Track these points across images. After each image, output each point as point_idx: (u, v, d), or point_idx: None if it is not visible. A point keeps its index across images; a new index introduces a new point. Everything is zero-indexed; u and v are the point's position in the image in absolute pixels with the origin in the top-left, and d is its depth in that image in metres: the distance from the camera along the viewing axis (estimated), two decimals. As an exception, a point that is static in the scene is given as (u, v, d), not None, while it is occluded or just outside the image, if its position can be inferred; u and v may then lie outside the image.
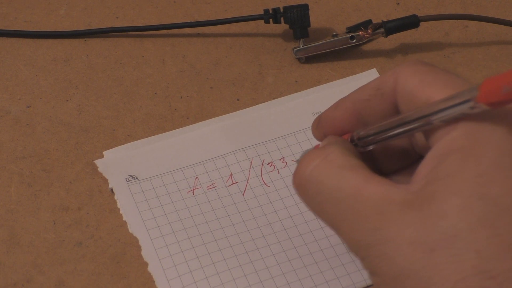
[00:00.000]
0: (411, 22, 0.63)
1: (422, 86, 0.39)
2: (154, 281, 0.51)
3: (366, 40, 0.64)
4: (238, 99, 0.61)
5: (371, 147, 0.43)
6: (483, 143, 0.36)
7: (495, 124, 0.37)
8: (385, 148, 0.44)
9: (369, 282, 0.51)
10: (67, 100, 0.61)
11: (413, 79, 0.40)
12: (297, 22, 0.63)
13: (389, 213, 0.37)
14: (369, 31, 0.63)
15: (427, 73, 0.40)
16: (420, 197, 0.36)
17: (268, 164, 0.57)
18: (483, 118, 0.37)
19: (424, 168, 0.38)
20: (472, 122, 0.37)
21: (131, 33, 0.65)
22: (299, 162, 0.42)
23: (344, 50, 0.64)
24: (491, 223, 0.35)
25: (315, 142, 0.58)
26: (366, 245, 0.37)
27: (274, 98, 0.61)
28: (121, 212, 0.54)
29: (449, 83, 0.39)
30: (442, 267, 0.35)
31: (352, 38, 0.63)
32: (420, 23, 0.63)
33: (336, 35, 0.64)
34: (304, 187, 0.41)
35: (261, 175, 0.56)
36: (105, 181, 0.56)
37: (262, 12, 0.64)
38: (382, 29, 0.63)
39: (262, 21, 0.64)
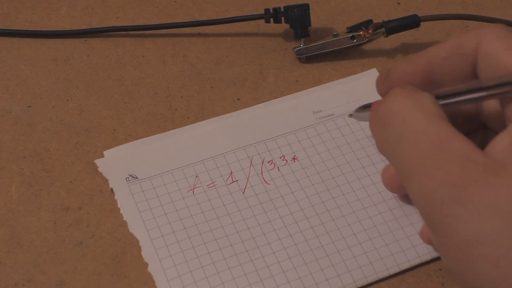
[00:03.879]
0: (411, 22, 0.63)
1: (509, 52, 0.38)
2: (154, 281, 0.51)
3: (367, 40, 0.64)
4: (238, 99, 0.61)
5: None
6: None
7: None
8: (450, 113, 0.43)
9: (370, 279, 0.51)
10: (67, 100, 0.61)
11: (500, 43, 0.39)
12: (297, 21, 0.63)
13: (472, 172, 0.36)
14: (369, 31, 0.63)
15: None
16: (505, 166, 0.36)
17: (268, 162, 0.57)
18: None
19: (506, 138, 0.37)
20: None
21: (131, 32, 0.65)
22: (386, 96, 0.40)
23: (345, 50, 0.64)
24: None
25: (316, 140, 0.58)
26: (439, 200, 0.36)
27: (275, 98, 0.61)
28: (121, 212, 0.54)
29: None
30: None
31: (353, 37, 0.63)
32: (421, 23, 0.63)
33: (336, 35, 0.64)
34: (386, 120, 0.39)
35: (262, 173, 0.56)
36: (106, 180, 0.56)
37: (262, 12, 0.64)
38: (383, 29, 0.63)
39: (263, 20, 0.64)
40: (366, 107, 0.47)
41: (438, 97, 0.41)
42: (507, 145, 0.36)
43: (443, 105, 0.41)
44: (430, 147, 0.37)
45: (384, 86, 0.43)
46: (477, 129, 0.44)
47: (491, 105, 0.41)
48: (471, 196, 0.35)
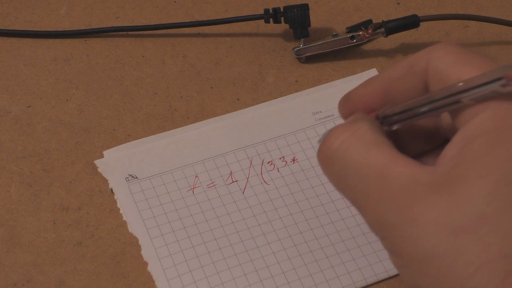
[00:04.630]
0: (411, 22, 0.63)
1: (455, 67, 0.39)
2: (154, 281, 0.51)
3: (367, 40, 0.64)
4: (238, 99, 0.61)
5: (396, 127, 0.42)
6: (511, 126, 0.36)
7: None
8: (410, 130, 0.44)
9: (369, 281, 0.51)
10: (67, 100, 0.61)
11: (446, 59, 0.39)
12: (297, 21, 0.63)
13: (415, 193, 0.37)
14: (369, 31, 0.63)
15: (461, 54, 0.39)
16: (447, 179, 0.36)
17: (268, 163, 0.57)
18: None
19: (451, 150, 0.37)
20: (502, 103, 0.36)
21: (131, 32, 0.65)
22: (325, 135, 0.41)
23: (345, 50, 0.64)
24: None
25: (315, 141, 0.58)
26: (389, 224, 0.37)
27: (274, 98, 0.61)
28: (121, 211, 0.54)
29: (483, 65, 0.38)
30: (467, 250, 0.35)
31: (352, 38, 0.63)
32: (421, 23, 0.63)
33: (336, 35, 0.64)
34: (330, 160, 0.40)
35: (261, 173, 0.56)
36: (105, 181, 0.56)
37: (262, 12, 0.64)
38: (383, 29, 0.63)
39: (263, 20, 0.64)
40: None
41: (387, 117, 0.42)
42: (452, 157, 0.37)
43: (393, 123, 0.42)
44: (373, 177, 0.38)
45: (345, 110, 0.45)
46: (444, 143, 0.45)
47: (447, 118, 0.42)
48: (417, 216, 0.36)
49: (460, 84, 0.37)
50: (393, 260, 0.39)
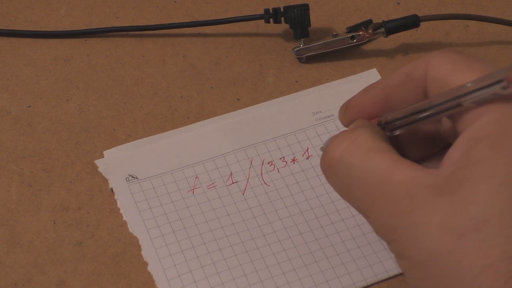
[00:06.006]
0: (411, 22, 0.63)
1: (454, 73, 0.39)
2: (154, 281, 0.51)
3: (367, 40, 0.64)
4: (238, 99, 0.61)
5: (398, 132, 0.43)
6: None
7: None
8: (412, 135, 0.44)
9: (369, 281, 0.51)
10: (67, 100, 0.61)
11: (445, 66, 0.40)
12: (297, 22, 0.63)
13: (418, 196, 0.37)
14: (369, 31, 0.63)
15: (459, 61, 0.39)
16: (450, 181, 0.37)
17: (268, 163, 0.57)
18: None
19: (454, 153, 0.38)
20: (503, 106, 0.37)
21: (131, 32, 0.65)
22: (327, 144, 0.41)
23: (345, 50, 0.64)
24: None
25: (315, 141, 0.58)
26: (394, 228, 0.38)
27: (274, 98, 0.61)
28: (121, 211, 0.54)
29: (482, 70, 0.38)
30: (471, 251, 0.35)
31: (352, 38, 0.63)
32: (421, 23, 0.63)
33: (336, 35, 0.64)
34: (332, 169, 0.41)
35: (261, 174, 0.56)
36: (105, 180, 0.56)
37: (262, 12, 0.64)
38: (383, 29, 0.63)
39: (263, 20, 0.64)
40: None
41: (389, 123, 0.42)
42: (455, 160, 0.37)
43: (395, 128, 0.42)
44: (376, 183, 0.39)
45: (346, 118, 0.45)
46: (445, 147, 0.45)
47: (448, 123, 0.42)
48: (421, 219, 0.37)
49: (462, 87, 0.38)
50: (400, 264, 0.39)
